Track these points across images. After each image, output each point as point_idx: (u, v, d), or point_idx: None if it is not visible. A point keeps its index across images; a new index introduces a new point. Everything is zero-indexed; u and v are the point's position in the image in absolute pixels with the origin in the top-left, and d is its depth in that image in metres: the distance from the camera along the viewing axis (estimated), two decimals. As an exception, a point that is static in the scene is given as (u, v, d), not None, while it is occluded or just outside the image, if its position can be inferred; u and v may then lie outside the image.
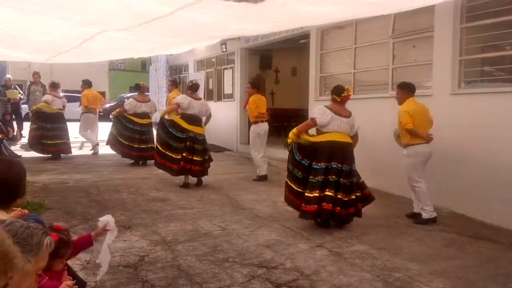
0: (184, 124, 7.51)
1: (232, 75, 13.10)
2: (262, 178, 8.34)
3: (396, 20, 7.28)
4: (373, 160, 6.79)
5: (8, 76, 13.37)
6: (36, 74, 13.26)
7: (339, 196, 5.07)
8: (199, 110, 7.71)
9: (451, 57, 6.28)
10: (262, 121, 8.41)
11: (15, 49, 7.80)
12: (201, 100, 8.02)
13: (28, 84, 13.48)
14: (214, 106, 13.54)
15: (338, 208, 5.05)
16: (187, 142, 7.43)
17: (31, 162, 9.49)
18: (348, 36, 8.49)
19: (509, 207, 5.41)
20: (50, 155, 10.60)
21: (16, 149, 11.50)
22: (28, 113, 13.46)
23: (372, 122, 7.07)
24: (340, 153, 5.22)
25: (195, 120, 7.67)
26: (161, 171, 8.25)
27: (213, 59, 14.52)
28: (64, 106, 10.91)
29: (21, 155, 10.31)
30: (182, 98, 7.72)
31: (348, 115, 5.40)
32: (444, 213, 6.11)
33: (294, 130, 5.44)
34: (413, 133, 5.57)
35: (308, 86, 9.67)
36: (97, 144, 11.67)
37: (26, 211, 2.74)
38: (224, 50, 13.11)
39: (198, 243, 4.63)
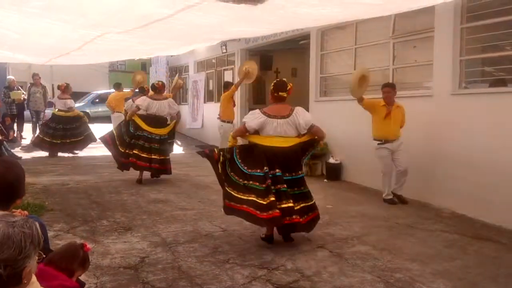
0: (142, 124, 7.84)
1: (232, 76, 13.09)
2: None
3: (397, 20, 7.28)
4: (373, 160, 6.78)
5: (11, 77, 13.37)
6: (36, 76, 13.27)
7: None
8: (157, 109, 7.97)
9: (451, 57, 6.27)
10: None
11: (16, 51, 7.80)
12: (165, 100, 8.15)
13: (28, 86, 13.49)
14: (214, 107, 13.51)
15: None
16: (141, 141, 7.77)
17: (31, 164, 9.49)
18: (349, 37, 8.49)
19: (510, 207, 5.39)
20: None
21: (17, 151, 11.50)
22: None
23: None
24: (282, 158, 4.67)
25: (156, 120, 7.93)
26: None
27: (213, 60, 14.53)
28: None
29: (21, 157, 10.32)
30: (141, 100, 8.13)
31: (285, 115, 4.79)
32: (445, 213, 6.10)
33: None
34: None
35: (309, 87, 9.67)
36: None
37: (26, 212, 2.74)
38: (224, 51, 13.11)
39: (198, 244, 4.63)
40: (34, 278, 1.67)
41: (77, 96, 24.69)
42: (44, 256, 1.78)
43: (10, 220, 1.54)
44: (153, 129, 7.81)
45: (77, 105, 29.42)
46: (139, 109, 7.85)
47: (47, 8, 4.41)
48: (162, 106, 7.93)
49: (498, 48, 6.04)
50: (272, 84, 5.07)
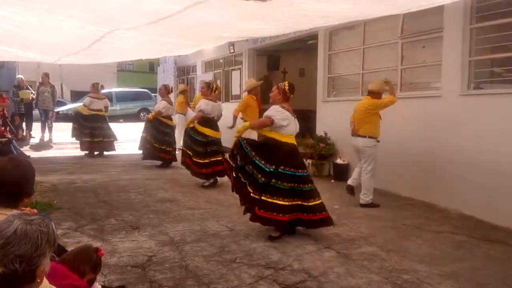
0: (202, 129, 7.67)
1: (240, 76, 13.10)
2: None
3: (405, 20, 7.25)
4: (381, 161, 6.75)
5: (20, 76, 13.52)
6: (44, 75, 13.38)
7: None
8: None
9: (460, 58, 6.23)
10: None
11: (26, 49, 7.86)
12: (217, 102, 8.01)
13: (37, 85, 13.62)
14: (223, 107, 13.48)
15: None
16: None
17: (40, 163, 9.55)
18: (357, 37, 8.47)
19: (519, 209, 5.36)
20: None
21: (25, 149, 11.60)
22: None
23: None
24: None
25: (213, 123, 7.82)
26: (168, 171, 8.30)
27: (221, 60, 14.54)
28: (106, 107, 11.45)
29: (30, 156, 10.39)
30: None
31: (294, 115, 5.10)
32: (453, 214, 6.07)
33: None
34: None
35: (316, 87, 9.66)
36: None
37: (35, 210, 2.75)
38: (232, 51, 13.12)
39: (205, 244, 4.64)
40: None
41: (85, 95, 24.74)
42: (55, 256, 1.80)
43: (28, 218, 1.57)
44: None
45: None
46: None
47: (57, 4, 4.44)
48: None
49: (507, 48, 5.99)
50: (288, 85, 5.16)
